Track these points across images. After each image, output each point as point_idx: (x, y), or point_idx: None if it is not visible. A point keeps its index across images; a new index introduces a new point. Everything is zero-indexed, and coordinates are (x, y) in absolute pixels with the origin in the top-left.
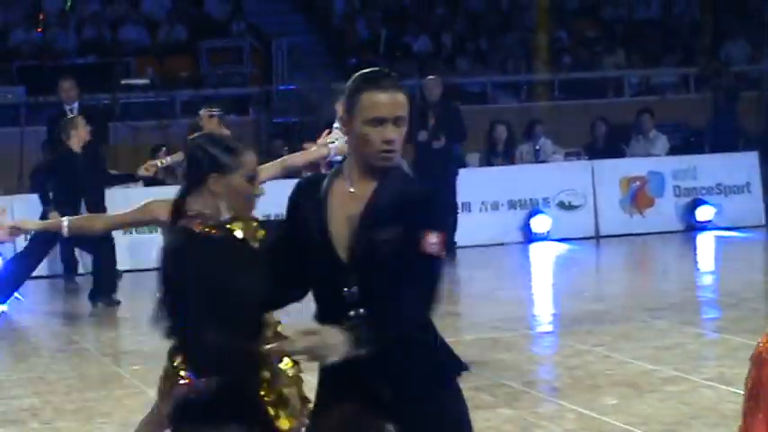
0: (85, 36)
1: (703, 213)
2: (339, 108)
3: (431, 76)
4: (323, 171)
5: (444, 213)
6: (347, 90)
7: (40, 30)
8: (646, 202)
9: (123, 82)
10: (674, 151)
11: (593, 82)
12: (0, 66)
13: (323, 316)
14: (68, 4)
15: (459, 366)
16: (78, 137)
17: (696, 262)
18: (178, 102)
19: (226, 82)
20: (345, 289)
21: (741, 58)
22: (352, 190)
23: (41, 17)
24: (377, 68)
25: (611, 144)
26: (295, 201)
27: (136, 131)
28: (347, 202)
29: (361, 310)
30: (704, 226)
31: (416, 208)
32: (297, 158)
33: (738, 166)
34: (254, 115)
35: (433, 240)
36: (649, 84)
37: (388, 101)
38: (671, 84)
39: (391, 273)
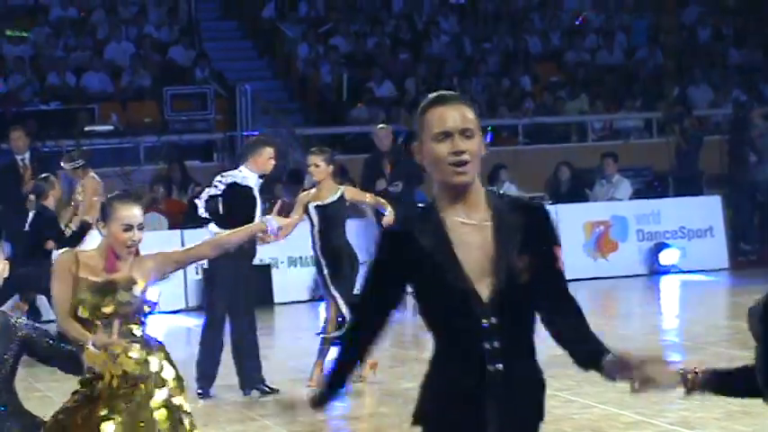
0: (49, 83)
1: (667, 257)
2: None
3: (381, 125)
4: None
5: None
6: (417, 118)
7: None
8: (609, 246)
9: (87, 128)
10: (637, 195)
11: (556, 127)
12: None
13: (450, 345)
14: (23, 33)
15: None
16: (54, 196)
17: (660, 306)
18: (142, 148)
19: (190, 128)
20: (484, 321)
21: (704, 102)
22: (464, 220)
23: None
24: (441, 91)
25: (574, 188)
26: (406, 235)
27: (99, 178)
28: (467, 233)
29: (496, 343)
30: (668, 269)
31: (542, 226)
32: (232, 237)
33: (702, 209)
34: (219, 161)
35: (561, 256)
36: (612, 128)
37: (452, 114)
38: (634, 128)
39: (528, 297)
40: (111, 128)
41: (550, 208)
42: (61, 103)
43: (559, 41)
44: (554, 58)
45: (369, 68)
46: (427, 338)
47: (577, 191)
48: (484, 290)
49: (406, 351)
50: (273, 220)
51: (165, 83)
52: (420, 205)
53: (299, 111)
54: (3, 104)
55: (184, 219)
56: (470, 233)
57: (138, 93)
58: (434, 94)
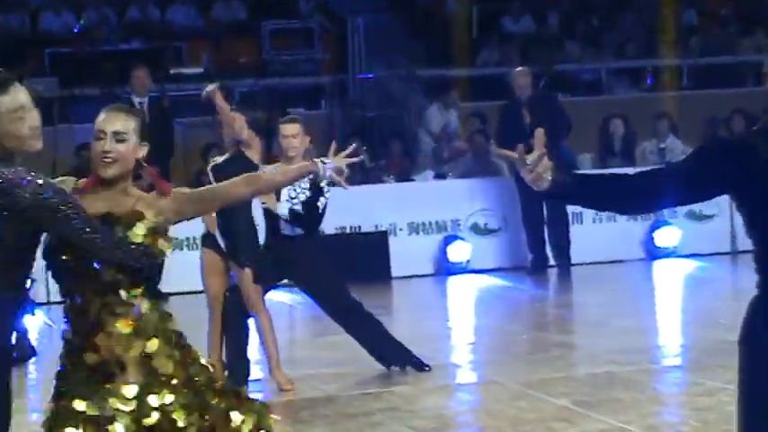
0: (128, 18)
1: None
2: None
3: (519, 68)
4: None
5: None
6: None
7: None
8: None
9: (173, 71)
10: None
11: (727, 68)
12: (29, 53)
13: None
14: None
15: None
16: None
17: None
18: (237, 93)
19: (293, 70)
20: None
21: None
22: None
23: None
24: None
25: None
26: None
27: (187, 129)
28: None
29: None
30: None
31: None
32: (278, 177)
33: None
34: (328, 109)
35: None
36: None
37: None
38: None
39: None
40: (200, 70)
41: None
42: (143, 42)
43: None
44: None
45: (503, 0)
46: (571, 320)
47: None
48: None
49: (547, 335)
50: (332, 162)
51: (263, 16)
52: None
53: (420, 49)
54: (76, 44)
55: None
56: None
57: (232, 28)
58: None
